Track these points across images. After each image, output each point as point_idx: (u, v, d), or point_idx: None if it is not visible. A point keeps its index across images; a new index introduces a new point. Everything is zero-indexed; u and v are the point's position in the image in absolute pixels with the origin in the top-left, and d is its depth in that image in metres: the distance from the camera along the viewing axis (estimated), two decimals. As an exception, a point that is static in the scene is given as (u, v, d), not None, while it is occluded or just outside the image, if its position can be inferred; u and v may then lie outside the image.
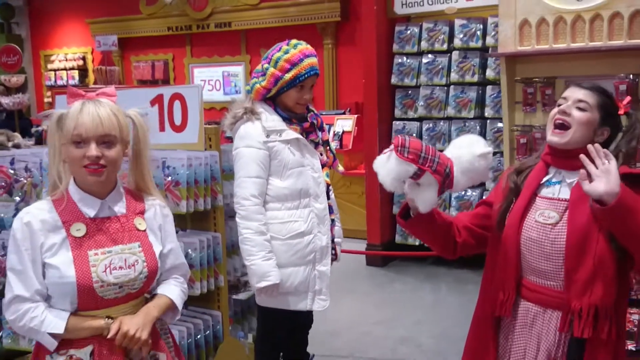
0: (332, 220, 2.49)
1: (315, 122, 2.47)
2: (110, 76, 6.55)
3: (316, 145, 2.45)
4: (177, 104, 3.40)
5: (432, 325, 4.81)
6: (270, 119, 2.36)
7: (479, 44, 5.92)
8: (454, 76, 6.00)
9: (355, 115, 7.89)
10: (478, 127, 5.93)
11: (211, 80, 11.29)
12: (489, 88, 5.89)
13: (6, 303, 1.78)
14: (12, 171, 3.55)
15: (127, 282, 1.84)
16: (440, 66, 6.08)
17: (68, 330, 1.76)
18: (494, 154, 5.80)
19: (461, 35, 5.98)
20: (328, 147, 2.51)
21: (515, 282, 1.93)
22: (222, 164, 3.36)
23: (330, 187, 2.50)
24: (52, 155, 1.86)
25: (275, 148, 2.34)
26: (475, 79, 5.92)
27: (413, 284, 5.78)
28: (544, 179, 1.95)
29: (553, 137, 1.90)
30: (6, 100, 7.06)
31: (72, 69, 11.90)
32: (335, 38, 9.84)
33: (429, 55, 6.14)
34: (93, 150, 1.78)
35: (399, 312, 5.02)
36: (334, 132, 7.86)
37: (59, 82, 12.02)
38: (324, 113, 8.68)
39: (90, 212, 1.84)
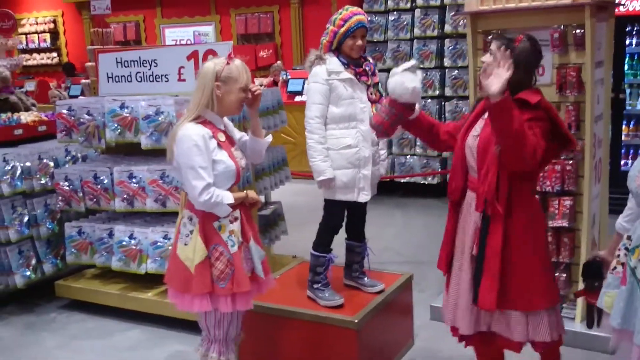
0: (377, 143, 3.37)
1: (368, 68, 3.31)
2: (107, 37, 7.09)
3: (368, 86, 3.30)
4: (210, 58, 4.21)
5: (406, 239, 5.85)
6: (332, 62, 3.22)
7: (438, 2, 6.84)
8: (417, 31, 6.92)
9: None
10: (438, 76, 6.88)
11: (182, 40, 11.79)
12: (447, 41, 6.83)
13: (201, 189, 2.55)
14: (72, 117, 4.30)
15: (245, 167, 2.81)
16: (405, 22, 6.98)
17: (234, 200, 2.66)
18: (452, 98, 6.82)
19: (423, -5, 6.88)
20: (377, 89, 3.35)
21: (462, 175, 2.73)
22: (250, 105, 4.24)
23: None
24: (206, 92, 2.64)
25: (334, 84, 3.20)
26: (435, 33, 6.86)
27: (386, 210, 6.77)
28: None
29: (482, 79, 2.63)
30: (3, 63, 7.55)
31: (44, 32, 12.23)
32: (301, -2, 10.54)
33: (395, 13, 7.02)
34: (250, 95, 2.73)
35: (378, 231, 5.99)
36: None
37: (31, 45, 12.34)
38: (296, 68, 9.48)
39: (221, 127, 2.75)
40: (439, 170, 7.02)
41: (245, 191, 2.79)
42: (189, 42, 11.65)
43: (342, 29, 3.17)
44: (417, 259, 5.21)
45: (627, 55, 6.33)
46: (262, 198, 4.64)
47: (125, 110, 4.10)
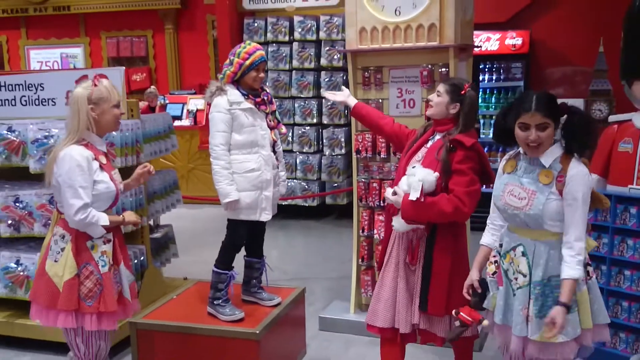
0: (277, 166, 3.61)
1: (266, 98, 3.55)
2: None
3: (267, 114, 3.54)
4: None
5: (290, 258, 6.13)
6: (232, 94, 3.41)
7: (314, 37, 7.28)
8: (295, 63, 7.31)
9: (207, 95, 8.83)
10: (316, 105, 7.31)
11: (49, 61, 11.39)
12: (323, 73, 7.28)
13: (77, 208, 2.65)
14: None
15: (123, 192, 2.95)
16: (283, 54, 7.35)
17: (110, 222, 2.76)
18: (329, 125, 7.27)
19: (300, 29, 7.30)
20: (274, 116, 3.60)
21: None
22: (144, 129, 4.34)
23: (277, 143, 3.61)
24: (83, 117, 2.74)
25: (236, 113, 3.40)
26: (312, 65, 7.29)
27: (269, 232, 6.94)
28: (431, 136, 3.18)
29: (426, 112, 3.18)
30: None
31: None
32: (176, 24, 10.62)
33: (274, 45, 7.38)
34: (122, 109, 2.86)
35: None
36: (188, 110, 8.76)
37: None
38: (174, 93, 9.53)
39: (103, 148, 2.85)
40: (318, 192, 7.40)
41: (121, 215, 2.91)
42: (56, 65, 11.30)
43: (247, 62, 3.41)
44: (302, 276, 5.50)
45: (481, 90, 7.16)
46: (148, 221, 4.72)
47: (13, 134, 4.04)
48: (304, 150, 7.35)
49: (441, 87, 3.10)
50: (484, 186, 3.07)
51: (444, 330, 3.04)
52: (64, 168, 2.69)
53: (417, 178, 2.95)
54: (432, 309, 3.01)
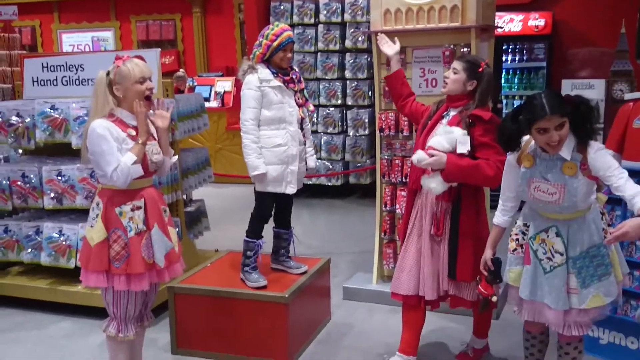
0: (304, 142, 3.83)
1: (294, 77, 3.75)
2: (13, 42, 7.05)
3: (295, 92, 3.74)
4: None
5: (315, 234, 6.35)
6: (263, 72, 3.62)
7: (339, 20, 7.43)
8: (320, 45, 7.47)
9: (234, 77, 9.04)
10: (340, 86, 7.47)
11: (80, 45, 11.72)
12: (347, 55, 7.43)
13: (110, 173, 2.81)
14: (0, 119, 4.41)
15: (158, 162, 3.04)
16: (309, 36, 7.51)
17: (136, 155, 2.85)
18: (353, 107, 7.44)
19: (325, 12, 7.45)
20: (302, 94, 3.79)
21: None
22: (178, 108, 4.57)
23: (305, 120, 3.80)
24: (100, 99, 2.90)
25: (265, 90, 3.62)
26: (337, 47, 7.44)
27: (294, 210, 7.21)
28: (445, 112, 3.28)
29: (442, 89, 3.33)
30: None
31: None
32: (203, 8, 10.83)
33: (300, 27, 7.54)
34: (150, 84, 2.98)
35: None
36: (216, 92, 8.98)
37: None
38: (202, 75, 9.77)
39: (132, 122, 2.98)
40: (342, 171, 7.59)
41: (139, 140, 2.90)
42: (87, 48, 11.61)
43: (275, 43, 3.60)
44: (326, 251, 5.71)
45: (504, 70, 7.26)
46: (182, 195, 4.95)
47: (56, 111, 4.29)
48: (329, 131, 7.52)
49: (457, 65, 3.21)
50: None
51: (472, 294, 3.23)
52: (91, 141, 2.87)
53: (460, 132, 3.11)
54: (461, 276, 3.19)
